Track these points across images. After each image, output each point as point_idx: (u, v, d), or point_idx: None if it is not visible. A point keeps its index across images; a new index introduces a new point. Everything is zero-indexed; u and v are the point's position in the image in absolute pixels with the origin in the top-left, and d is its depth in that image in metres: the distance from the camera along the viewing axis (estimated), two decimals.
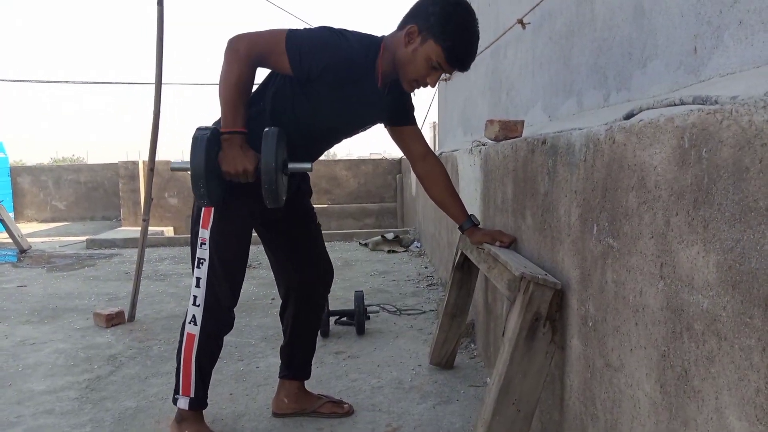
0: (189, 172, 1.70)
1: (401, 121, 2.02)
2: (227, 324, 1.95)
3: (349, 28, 1.80)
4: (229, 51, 1.68)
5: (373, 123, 2.01)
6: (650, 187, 1.01)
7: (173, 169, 1.82)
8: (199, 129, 1.70)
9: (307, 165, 1.84)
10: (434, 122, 11.37)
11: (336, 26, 1.79)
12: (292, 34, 1.69)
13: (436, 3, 1.72)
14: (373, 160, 11.70)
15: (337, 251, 6.21)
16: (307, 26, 1.82)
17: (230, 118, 1.70)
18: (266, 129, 1.70)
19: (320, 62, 1.69)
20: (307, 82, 1.74)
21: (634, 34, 1.70)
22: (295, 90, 1.78)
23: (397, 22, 1.82)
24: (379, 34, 1.85)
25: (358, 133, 2.02)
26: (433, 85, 1.82)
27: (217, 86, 1.70)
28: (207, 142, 1.66)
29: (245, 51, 1.68)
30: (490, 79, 3.84)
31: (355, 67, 1.74)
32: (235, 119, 1.70)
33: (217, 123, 1.81)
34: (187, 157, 1.71)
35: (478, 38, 1.78)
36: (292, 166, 1.79)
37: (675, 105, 1.06)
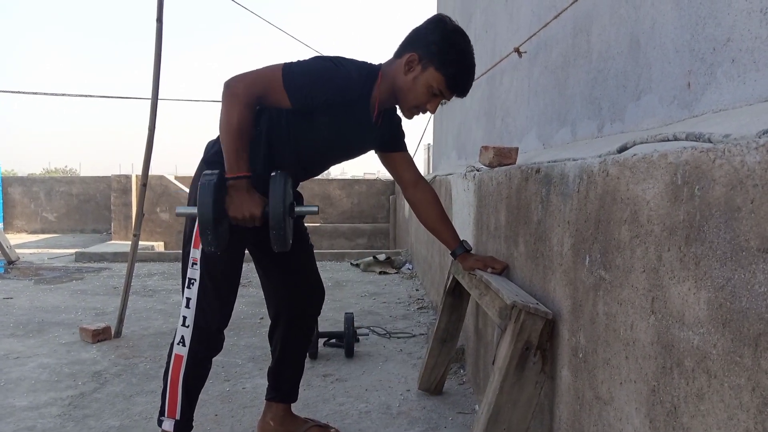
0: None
1: (392, 148, 2.03)
2: (216, 346, 1.93)
3: (345, 56, 1.81)
4: (227, 94, 1.64)
5: (366, 150, 2.02)
6: (643, 221, 1.02)
7: (179, 215, 1.75)
8: (205, 174, 1.64)
9: (314, 208, 1.84)
10: (429, 144, 11.44)
11: (330, 54, 1.81)
12: (288, 70, 1.67)
13: (435, 32, 1.74)
14: (367, 180, 11.74)
15: (328, 271, 6.19)
16: (300, 51, 1.84)
17: (234, 163, 1.66)
18: (273, 173, 1.68)
19: (318, 93, 1.68)
20: (305, 113, 1.74)
21: (629, 67, 1.73)
22: (290, 119, 1.79)
23: (392, 49, 1.84)
24: (376, 62, 1.86)
25: (351, 158, 2.04)
26: (433, 111, 1.84)
27: (218, 130, 1.66)
28: (214, 187, 1.61)
29: (244, 93, 1.64)
30: (486, 105, 3.87)
31: (351, 94, 1.74)
32: (239, 163, 1.66)
33: (217, 161, 1.77)
34: (180, 172, 1.71)
35: (475, 65, 1.81)
36: (299, 209, 1.79)
37: (668, 140, 1.07)
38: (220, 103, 1.66)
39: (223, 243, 1.68)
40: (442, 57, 1.71)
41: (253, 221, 1.68)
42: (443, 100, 1.82)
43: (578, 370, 1.32)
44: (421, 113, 1.84)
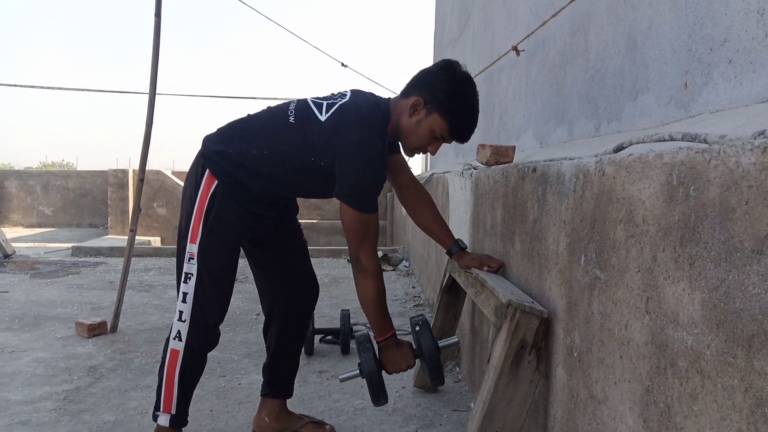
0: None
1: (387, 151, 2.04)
2: (212, 341, 1.93)
3: (357, 89, 1.88)
4: (358, 272, 1.83)
5: None
6: (638, 221, 1.02)
7: (343, 380, 1.96)
8: (361, 348, 1.89)
9: (454, 339, 2.09)
10: None
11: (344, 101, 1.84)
12: (362, 203, 1.76)
13: (442, 79, 1.77)
14: None
15: (324, 268, 6.19)
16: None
17: (382, 328, 1.86)
18: (417, 327, 1.94)
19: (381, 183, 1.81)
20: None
21: (626, 66, 1.73)
22: (312, 166, 1.80)
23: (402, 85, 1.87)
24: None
25: None
26: (433, 153, 1.91)
27: (361, 303, 1.86)
28: (374, 359, 1.87)
29: (368, 264, 1.80)
30: (484, 103, 3.86)
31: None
32: (385, 326, 1.86)
33: (215, 160, 1.83)
34: (178, 166, 1.73)
35: (478, 113, 1.86)
36: (442, 345, 1.99)
37: (664, 140, 1.07)
38: (354, 278, 1.85)
39: (386, 392, 1.91)
40: (447, 105, 1.75)
41: (409, 368, 1.91)
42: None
43: (573, 369, 1.32)
44: (421, 153, 1.90)
